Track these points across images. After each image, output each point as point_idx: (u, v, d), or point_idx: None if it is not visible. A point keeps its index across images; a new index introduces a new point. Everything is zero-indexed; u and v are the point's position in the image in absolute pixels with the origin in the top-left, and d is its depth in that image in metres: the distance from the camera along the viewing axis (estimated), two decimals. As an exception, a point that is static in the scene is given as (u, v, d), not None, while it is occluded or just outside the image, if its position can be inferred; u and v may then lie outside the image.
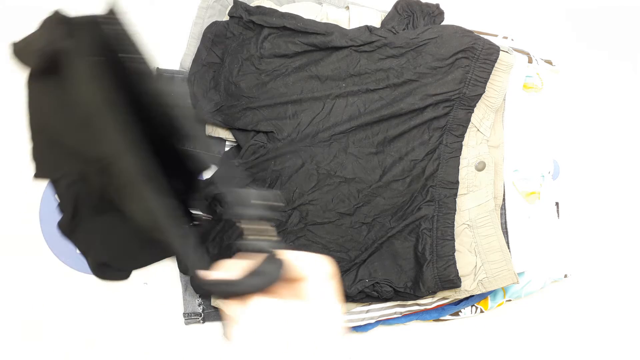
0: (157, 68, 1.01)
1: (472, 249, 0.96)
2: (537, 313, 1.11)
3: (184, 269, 0.99)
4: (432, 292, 0.92)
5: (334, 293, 0.47)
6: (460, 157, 0.97)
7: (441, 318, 1.05)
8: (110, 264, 0.98)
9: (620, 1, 1.19)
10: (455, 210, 0.95)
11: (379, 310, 0.99)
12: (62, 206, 0.93)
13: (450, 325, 1.08)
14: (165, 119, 0.57)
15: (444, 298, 0.97)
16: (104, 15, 0.55)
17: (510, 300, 1.06)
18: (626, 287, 1.13)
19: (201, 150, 0.69)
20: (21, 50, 0.59)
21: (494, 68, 0.95)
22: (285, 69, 0.95)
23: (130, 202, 0.55)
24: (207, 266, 0.49)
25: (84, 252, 0.99)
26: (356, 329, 1.02)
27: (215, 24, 0.99)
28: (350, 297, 0.94)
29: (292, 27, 0.95)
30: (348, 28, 1.01)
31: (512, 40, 1.08)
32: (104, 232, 0.96)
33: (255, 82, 0.95)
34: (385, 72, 0.97)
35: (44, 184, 1.03)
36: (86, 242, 0.98)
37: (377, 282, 0.92)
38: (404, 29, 0.99)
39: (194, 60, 0.99)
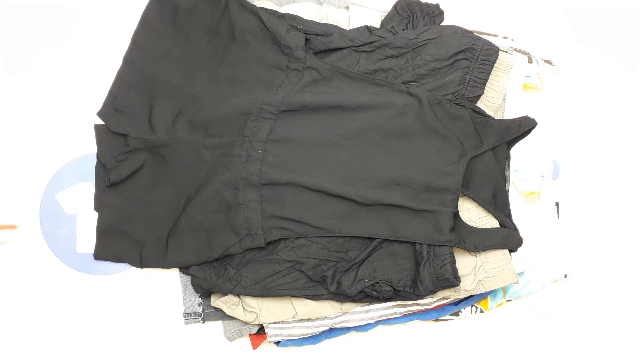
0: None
1: (472, 249, 0.96)
2: (537, 313, 1.11)
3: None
4: (432, 292, 0.92)
5: None
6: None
7: (441, 318, 1.05)
8: (131, 234, 0.99)
9: (620, 1, 1.19)
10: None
11: (379, 310, 0.99)
12: (119, 162, 0.98)
13: (450, 325, 1.08)
14: None
15: (444, 298, 0.97)
16: None
17: (510, 300, 1.06)
18: (626, 287, 1.13)
19: None
20: None
21: (494, 68, 0.95)
22: None
23: None
24: None
25: (108, 213, 1.00)
26: (356, 329, 1.02)
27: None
28: (350, 297, 0.94)
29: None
30: (348, 28, 1.01)
31: (512, 40, 1.08)
32: (147, 204, 0.98)
33: None
34: (385, 73, 0.97)
35: (44, 184, 1.04)
36: (121, 205, 0.99)
37: (377, 282, 0.92)
38: (403, 29, 0.99)
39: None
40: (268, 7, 1.02)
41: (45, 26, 1.08)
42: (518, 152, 1.02)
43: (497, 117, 1.01)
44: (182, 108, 0.99)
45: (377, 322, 1.02)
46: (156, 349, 1.03)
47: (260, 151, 0.94)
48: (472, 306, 1.04)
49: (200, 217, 0.96)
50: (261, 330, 1.01)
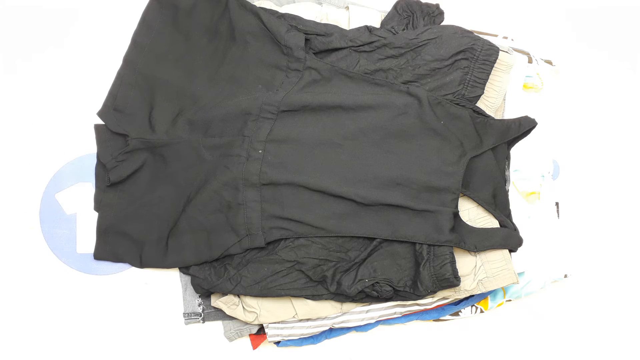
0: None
1: (472, 249, 0.96)
2: (537, 313, 1.11)
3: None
4: (432, 292, 0.92)
5: None
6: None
7: (441, 318, 1.05)
8: (131, 234, 0.98)
9: (620, 1, 1.19)
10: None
11: (379, 310, 0.99)
12: (119, 162, 0.98)
13: (450, 325, 1.08)
14: None
15: (444, 298, 0.97)
16: None
17: (510, 300, 1.06)
18: (626, 287, 1.13)
19: None
20: None
21: (494, 68, 0.95)
22: None
23: None
24: None
25: (108, 213, 1.00)
26: (356, 329, 1.02)
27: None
28: (350, 297, 0.94)
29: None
30: (348, 28, 1.01)
31: (512, 40, 1.08)
32: (147, 204, 0.98)
33: None
34: (385, 73, 0.97)
35: (44, 184, 1.04)
36: (121, 205, 0.99)
37: (377, 282, 0.92)
38: (403, 29, 0.99)
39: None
40: (268, 7, 1.02)
41: (45, 26, 1.08)
42: (518, 152, 1.02)
43: (497, 117, 1.01)
44: (182, 108, 0.99)
45: (377, 322, 1.02)
46: (156, 349, 1.03)
47: (260, 151, 0.94)
48: (472, 306, 1.04)
49: (200, 217, 0.96)
50: (261, 330, 1.01)
